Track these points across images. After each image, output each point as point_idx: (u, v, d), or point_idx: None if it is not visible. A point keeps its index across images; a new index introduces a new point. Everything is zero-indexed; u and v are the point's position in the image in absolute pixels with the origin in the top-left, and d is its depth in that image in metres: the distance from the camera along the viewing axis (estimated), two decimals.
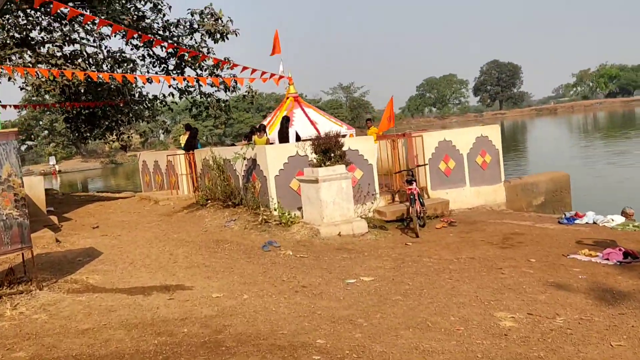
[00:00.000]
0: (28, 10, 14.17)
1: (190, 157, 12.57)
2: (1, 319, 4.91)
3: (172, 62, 16.30)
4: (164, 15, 15.98)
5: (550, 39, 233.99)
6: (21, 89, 15.30)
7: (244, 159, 9.68)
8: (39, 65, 12.81)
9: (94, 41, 15.70)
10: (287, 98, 13.38)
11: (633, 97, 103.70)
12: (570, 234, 7.95)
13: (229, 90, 16.22)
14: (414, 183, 9.08)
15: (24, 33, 14.37)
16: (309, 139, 9.44)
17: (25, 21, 14.59)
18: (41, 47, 14.54)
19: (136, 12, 15.40)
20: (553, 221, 9.18)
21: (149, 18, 15.74)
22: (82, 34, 15.62)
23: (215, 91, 17.14)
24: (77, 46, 15.40)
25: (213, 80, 13.43)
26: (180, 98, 17.47)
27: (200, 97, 17.16)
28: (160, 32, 15.73)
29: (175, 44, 13.31)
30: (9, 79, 13.05)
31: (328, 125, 12.40)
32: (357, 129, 15.02)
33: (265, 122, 13.00)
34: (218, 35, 15.35)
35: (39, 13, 14.78)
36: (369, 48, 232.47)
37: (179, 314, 4.91)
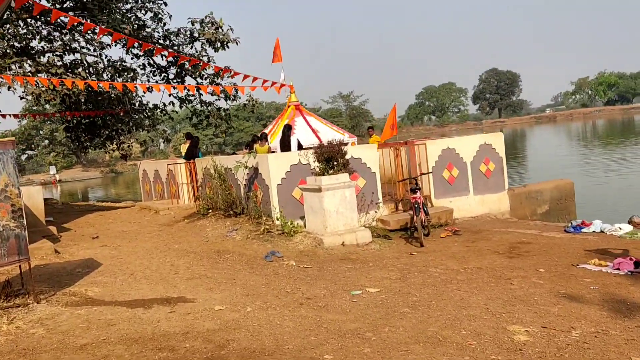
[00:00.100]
0: (28, 20, 14.14)
1: (191, 166, 12.46)
2: None
3: (173, 71, 16.28)
4: (164, 24, 16.01)
5: (549, 47, 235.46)
6: (21, 98, 15.24)
7: (246, 167, 9.57)
8: (39, 75, 12.75)
9: (95, 50, 15.67)
10: (289, 106, 13.31)
11: (632, 105, 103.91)
12: (578, 243, 7.81)
13: (229, 99, 16.18)
14: (418, 191, 8.95)
15: (24, 42, 14.33)
16: (311, 147, 9.33)
17: (25, 30, 14.56)
18: (41, 57, 14.49)
19: (137, 21, 15.40)
20: (559, 230, 9.03)
21: (149, 27, 15.75)
22: (83, 43, 15.61)
23: (216, 100, 17.11)
24: (77, 55, 15.38)
25: (214, 88, 13.37)
26: (181, 107, 17.43)
27: (201, 106, 17.11)
28: (161, 41, 15.71)
29: (175, 53, 13.25)
30: (9, 88, 12.99)
31: (330, 133, 12.31)
32: (357, 137, 14.92)
33: (266, 131, 12.91)
34: (218, 44, 15.34)
35: (39, 22, 14.75)
36: (369, 57, 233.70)
37: (180, 327, 4.75)
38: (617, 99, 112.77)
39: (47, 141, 67.34)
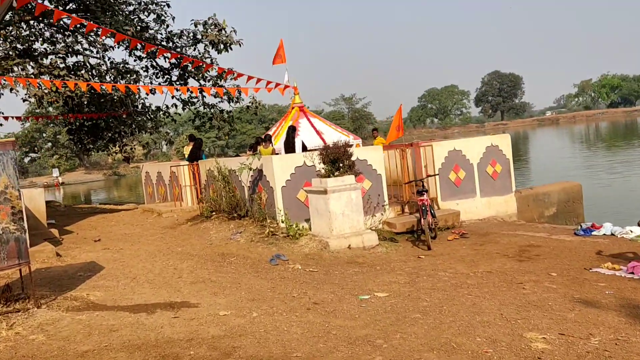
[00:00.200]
0: (31, 22, 14.07)
1: (194, 168, 12.34)
2: None
3: (176, 73, 16.18)
4: (167, 26, 15.91)
5: (552, 49, 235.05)
6: (24, 100, 15.15)
7: (250, 169, 9.44)
8: (42, 77, 12.66)
9: (97, 52, 15.60)
10: (293, 108, 13.18)
11: (635, 107, 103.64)
12: (589, 246, 7.65)
13: (232, 101, 16.08)
14: (426, 194, 8.81)
15: (27, 44, 14.25)
16: (316, 149, 9.20)
17: (27, 32, 14.49)
18: (44, 59, 14.41)
19: (140, 23, 15.31)
20: (569, 232, 8.88)
21: (152, 29, 15.65)
22: (85, 45, 15.53)
23: (219, 102, 17.01)
24: (80, 57, 15.29)
25: (217, 90, 13.26)
26: (184, 109, 17.32)
27: (204, 108, 17.01)
28: (164, 43, 15.62)
29: (179, 54, 13.15)
30: (11, 90, 12.90)
31: (334, 135, 12.18)
32: (361, 139, 14.79)
33: (270, 132, 12.78)
34: (222, 46, 15.23)
35: (41, 24, 14.69)
36: (371, 59, 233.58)
37: (184, 334, 4.61)
38: (620, 101, 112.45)
39: (50, 144, 67.45)
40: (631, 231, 8.30)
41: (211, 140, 69.40)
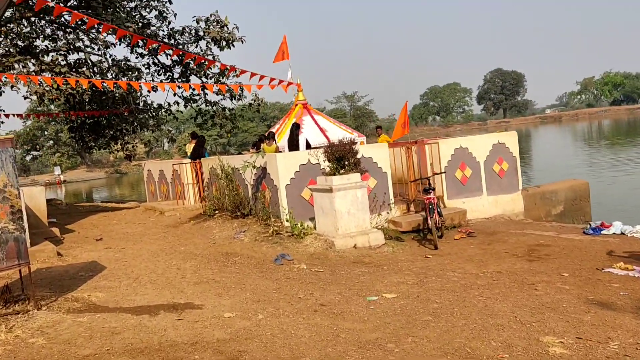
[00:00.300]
0: (32, 19, 13.93)
1: (197, 166, 12.20)
2: None
3: (178, 70, 16.04)
4: (169, 22, 15.76)
5: (554, 47, 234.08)
6: (25, 98, 15.03)
7: (254, 167, 9.30)
8: (43, 74, 12.53)
9: (99, 49, 15.45)
10: (296, 105, 13.03)
11: (638, 105, 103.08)
12: (600, 245, 7.50)
13: (235, 98, 15.94)
14: (432, 192, 8.65)
15: (28, 41, 14.11)
16: (320, 147, 9.05)
17: (28, 29, 14.35)
18: (45, 56, 14.28)
19: (141, 20, 15.16)
20: (577, 231, 8.72)
21: (154, 26, 15.51)
22: (87, 42, 15.39)
23: (221, 99, 16.86)
24: (81, 54, 15.17)
25: (219, 87, 13.10)
26: (186, 106, 17.18)
27: (206, 106, 16.86)
28: (166, 40, 15.48)
29: (181, 51, 13.00)
30: (12, 87, 12.77)
31: (338, 132, 12.03)
32: (365, 137, 14.63)
33: (274, 130, 12.64)
34: (224, 43, 15.08)
35: (43, 22, 14.55)
36: (373, 57, 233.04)
37: (188, 337, 4.48)
38: (623, 99, 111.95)
39: (51, 142, 67.45)
40: None
41: (213, 138, 69.30)
